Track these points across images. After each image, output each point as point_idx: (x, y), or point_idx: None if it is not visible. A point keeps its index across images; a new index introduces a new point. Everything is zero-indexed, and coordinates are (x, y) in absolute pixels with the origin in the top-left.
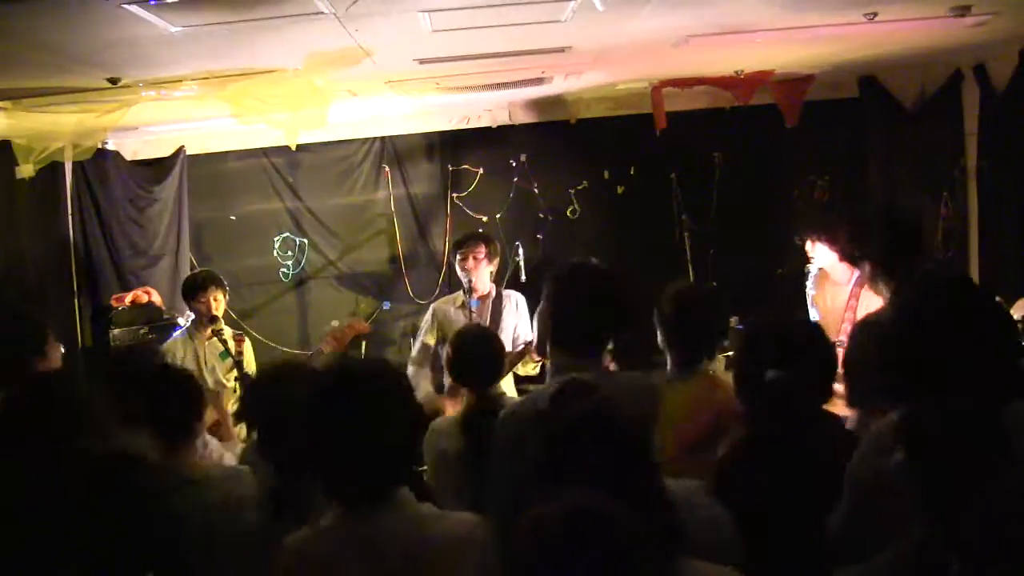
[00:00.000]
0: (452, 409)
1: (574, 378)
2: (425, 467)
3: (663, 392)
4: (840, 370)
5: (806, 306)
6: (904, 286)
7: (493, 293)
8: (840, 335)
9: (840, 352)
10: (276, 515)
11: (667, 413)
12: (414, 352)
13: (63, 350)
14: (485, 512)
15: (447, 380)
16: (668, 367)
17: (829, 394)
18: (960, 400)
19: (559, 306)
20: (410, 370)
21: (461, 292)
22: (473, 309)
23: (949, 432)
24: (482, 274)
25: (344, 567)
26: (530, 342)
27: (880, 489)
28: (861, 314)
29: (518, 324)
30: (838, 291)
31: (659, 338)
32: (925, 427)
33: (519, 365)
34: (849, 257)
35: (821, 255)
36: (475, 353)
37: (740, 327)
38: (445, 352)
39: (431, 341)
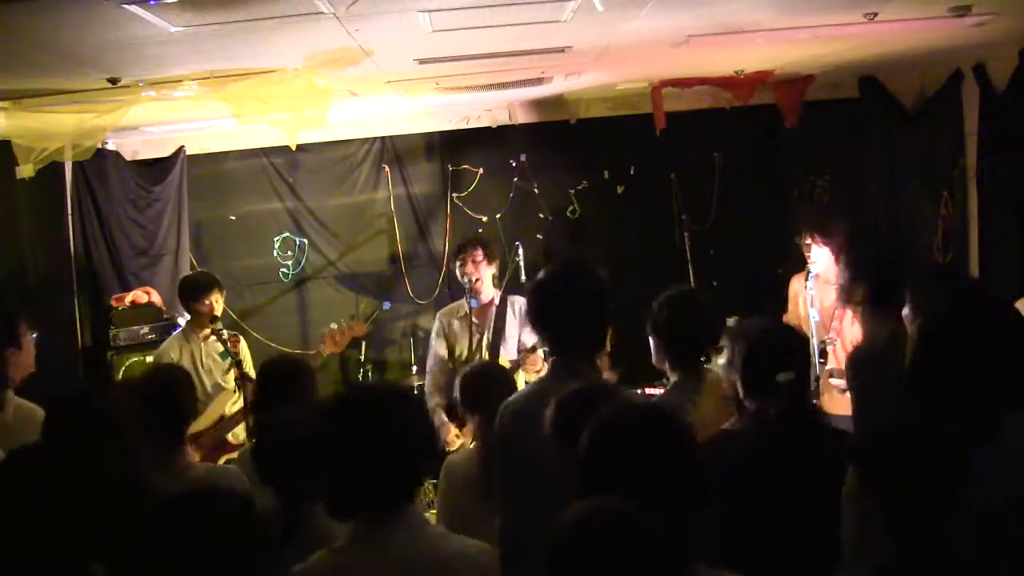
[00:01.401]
0: (456, 435)
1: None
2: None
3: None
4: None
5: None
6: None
7: (496, 299)
8: (830, 332)
9: (831, 350)
10: (282, 538)
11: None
12: (430, 364)
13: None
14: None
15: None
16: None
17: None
18: (917, 416)
19: (536, 314)
20: (428, 385)
21: (463, 301)
22: (473, 308)
23: (901, 451)
24: (485, 277)
25: None
26: (531, 348)
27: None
28: (849, 316)
29: (523, 329)
30: (828, 290)
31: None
32: (876, 446)
33: (521, 371)
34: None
35: (818, 255)
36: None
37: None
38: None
39: (443, 352)
